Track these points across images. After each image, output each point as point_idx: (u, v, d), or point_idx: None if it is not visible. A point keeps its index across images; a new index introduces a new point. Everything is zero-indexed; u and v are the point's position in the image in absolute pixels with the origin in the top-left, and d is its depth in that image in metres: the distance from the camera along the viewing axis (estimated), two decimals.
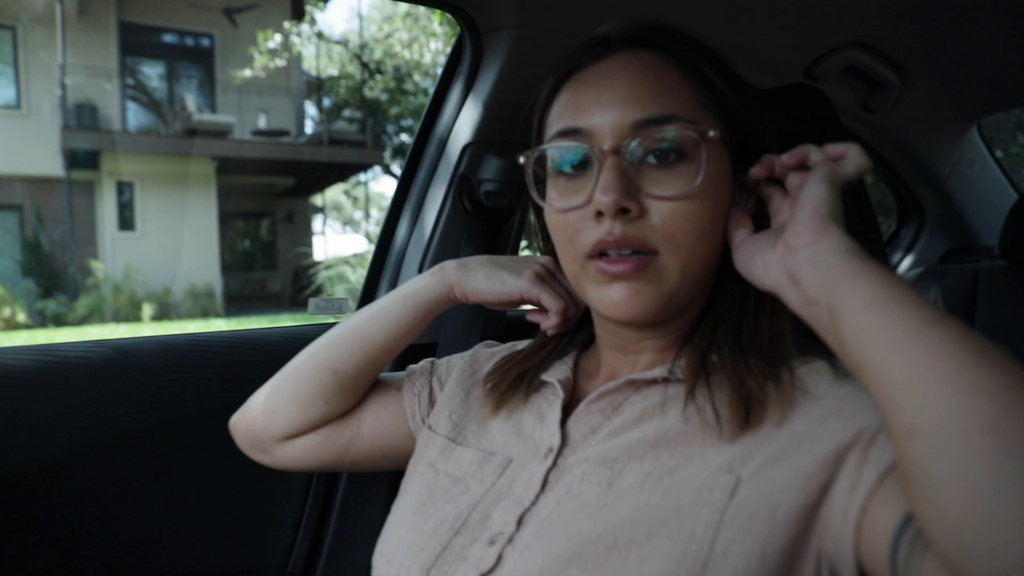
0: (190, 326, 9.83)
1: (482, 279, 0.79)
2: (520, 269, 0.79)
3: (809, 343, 0.60)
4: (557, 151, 0.64)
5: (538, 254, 0.82)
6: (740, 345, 0.62)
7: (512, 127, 1.14)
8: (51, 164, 11.57)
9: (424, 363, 0.87)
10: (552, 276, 0.79)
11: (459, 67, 1.17)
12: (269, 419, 0.83)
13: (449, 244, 1.17)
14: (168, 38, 13.34)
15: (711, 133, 0.60)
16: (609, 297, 0.62)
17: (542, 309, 0.78)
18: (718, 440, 0.57)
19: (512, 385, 0.74)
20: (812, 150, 0.60)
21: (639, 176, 0.60)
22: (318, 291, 10.87)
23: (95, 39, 11.84)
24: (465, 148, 1.14)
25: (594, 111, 0.62)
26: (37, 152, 11.50)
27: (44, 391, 0.99)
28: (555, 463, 0.63)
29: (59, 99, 11.65)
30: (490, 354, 0.84)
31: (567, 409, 0.67)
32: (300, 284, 12.66)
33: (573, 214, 0.63)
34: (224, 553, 1.11)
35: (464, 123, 1.15)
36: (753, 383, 0.58)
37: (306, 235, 14.39)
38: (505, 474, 0.65)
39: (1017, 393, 0.39)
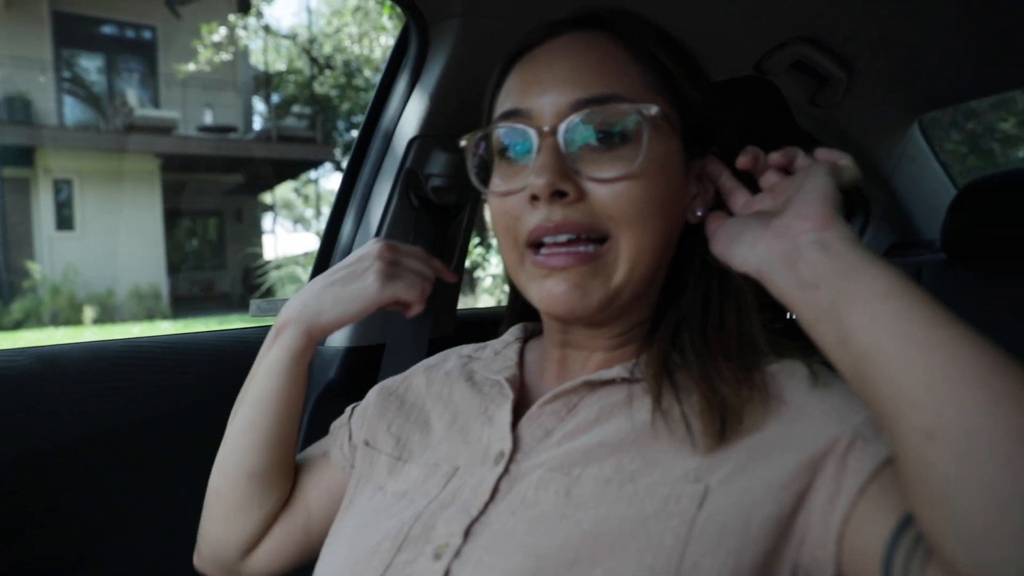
0: (135, 328, 9.53)
1: (330, 307, 0.73)
2: (362, 274, 0.73)
3: (781, 341, 0.58)
4: (499, 134, 0.61)
5: (488, 251, 0.79)
6: (707, 346, 0.59)
7: (460, 120, 1.12)
8: None
9: (344, 415, 0.80)
10: (395, 260, 0.74)
11: (405, 58, 1.14)
12: (219, 548, 0.77)
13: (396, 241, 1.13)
14: (107, 29, 12.84)
15: (653, 111, 0.56)
16: (547, 290, 0.58)
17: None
18: (684, 446, 0.53)
19: (452, 385, 0.70)
20: (800, 154, 0.58)
21: (580, 158, 0.57)
22: (269, 291, 10.64)
23: (26, 29, 11.32)
24: (411, 142, 1.10)
25: (536, 91, 0.59)
26: None
27: None
28: (507, 469, 0.58)
29: None
30: (425, 367, 0.78)
31: (517, 410, 0.63)
32: (250, 284, 12.39)
33: (512, 199, 0.59)
34: (165, 566, 1.05)
35: (410, 116, 1.11)
36: (727, 389, 0.54)
37: (256, 234, 14.08)
38: (451, 483, 0.60)
39: None
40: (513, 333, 0.73)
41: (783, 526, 0.48)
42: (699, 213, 0.63)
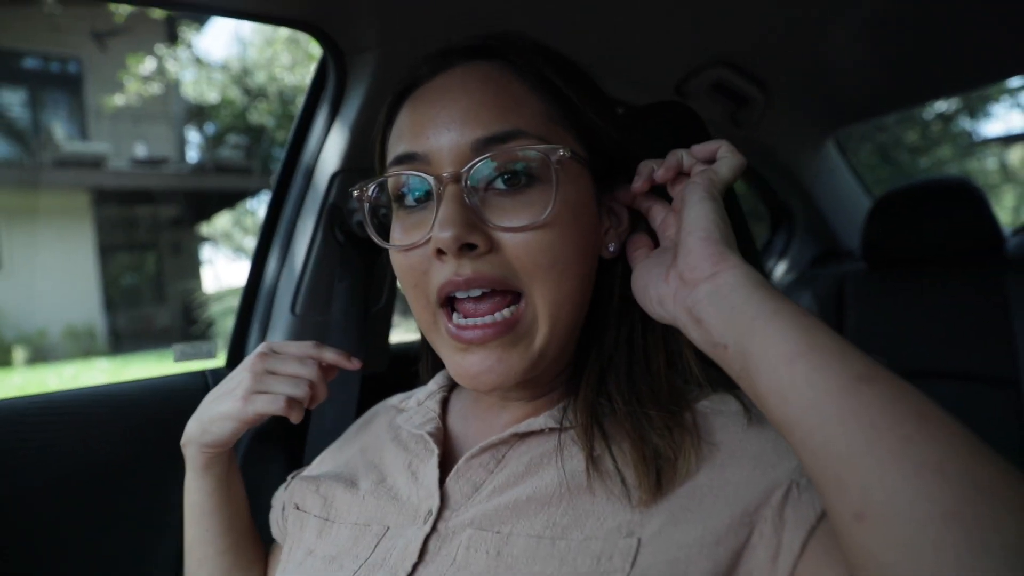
0: (68, 368, 9.13)
1: (209, 425, 0.68)
2: (231, 391, 0.67)
3: (712, 371, 0.55)
4: (394, 181, 0.56)
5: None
6: (636, 392, 0.55)
7: None
8: None
9: (280, 487, 0.79)
10: (268, 369, 0.68)
11: (323, 92, 1.12)
12: None
13: (322, 279, 1.10)
14: (30, 62, 12.40)
15: (560, 152, 0.52)
16: (464, 368, 0.54)
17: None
18: (618, 499, 0.50)
19: (380, 444, 0.68)
20: (683, 154, 0.56)
21: (486, 204, 0.53)
22: (210, 324, 10.35)
23: None
24: (333, 177, 1.09)
25: (431, 133, 0.54)
26: None
27: None
28: (435, 527, 0.55)
29: None
30: (357, 427, 0.77)
31: (445, 464, 0.60)
32: (191, 318, 12.02)
33: (415, 254, 0.55)
34: None
35: (331, 150, 1.10)
36: (658, 439, 0.51)
37: (195, 266, 13.69)
38: (381, 544, 0.57)
39: (969, 469, 0.35)
40: (437, 381, 0.71)
41: None
42: (611, 248, 0.59)
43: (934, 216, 1.58)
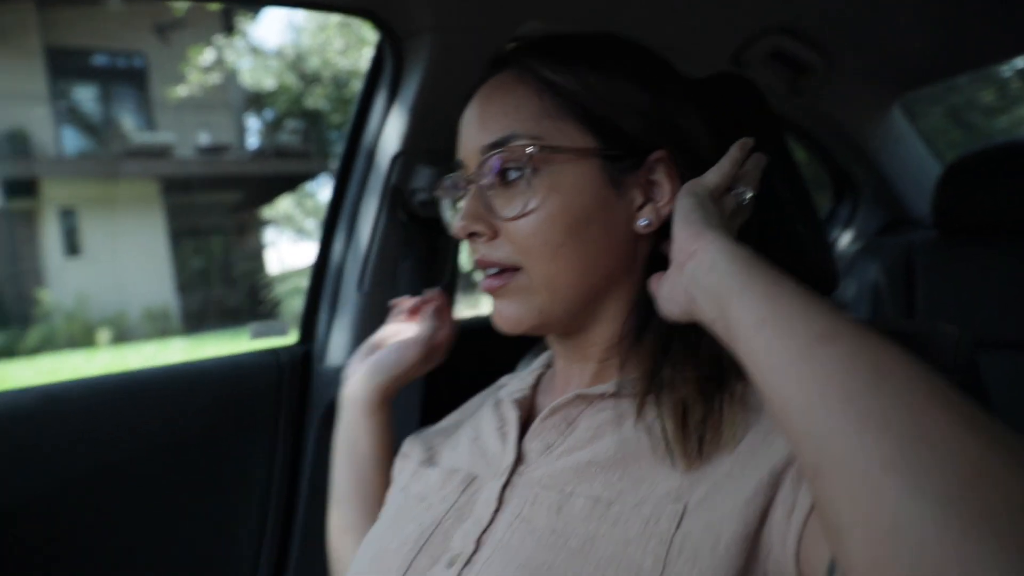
0: (148, 348, 9.61)
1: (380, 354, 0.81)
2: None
3: None
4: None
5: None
6: (693, 362, 0.58)
7: (441, 134, 1.13)
8: None
9: None
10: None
11: (381, 75, 1.15)
12: None
13: (387, 258, 1.14)
14: (99, 60, 12.93)
15: (534, 149, 0.59)
16: (492, 312, 0.66)
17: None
18: (666, 465, 0.54)
19: (482, 408, 0.75)
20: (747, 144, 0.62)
21: (495, 198, 0.62)
22: (277, 304, 10.70)
23: (19, 65, 11.40)
24: (395, 158, 1.12)
25: (463, 140, 0.65)
26: None
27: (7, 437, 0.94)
28: (509, 481, 0.62)
29: None
30: (477, 397, 0.84)
31: (527, 425, 0.66)
32: (258, 298, 12.46)
33: None
34: (197, 570, 1.08)
35: (391, 133, 1.13)
36: (710, 408, 0.55)
37: (259, 248, 14.14)
38: (467, 492, 0.64)
39: (916, 420, 0.36)
40: (542, 360, 0.78)
41: (751, 544, 0.48)
42: (643, 223, 0.62)
43: (1010, 180, 1.51)
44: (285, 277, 11.16)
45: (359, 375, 0.82)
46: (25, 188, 11.30)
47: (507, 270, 0.62)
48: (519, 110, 0.61)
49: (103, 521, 1.02)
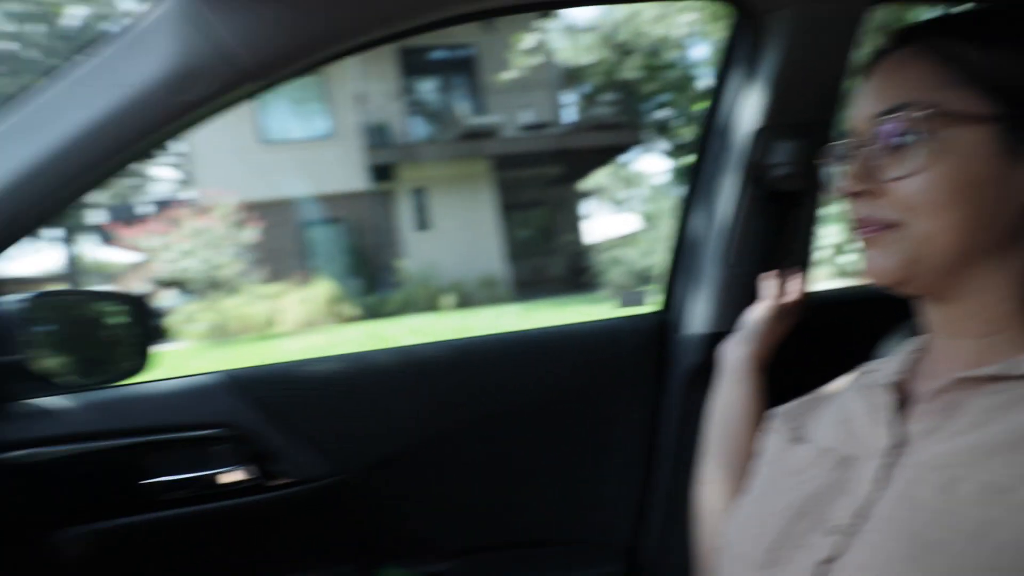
0: (485, 312, 10.77)
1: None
2: None
3: None
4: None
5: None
6: None
7: (802, 107, 1.12)
8: (357, 181, 13.59)
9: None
10: None
11: (737, 53, 1.17)
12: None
13: (751, 232, 1.17)
14: (437, 54, 14.76)
15: (923, 114, 0.60)
16: (864, 261, 0.67)
17: None
18: None
19: (847, 391, 0.76)
20: None
21: (882, 162, 0.63)
22: (597, 274, 11.25)
23: (378, 67, 13.55)
24: (758, 134, 1.14)
25: (855, 110, 0.68)
26: (347, 172, 13.58)
27: (405, 387, 1.20)
28: (890, 462, 0.62)
29: (359, 124, 13.55)
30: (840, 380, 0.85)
31: (903, 407, 0.66)
32: (579, 267, 13.26)
33: None
34: (561, 524, 1.27)
35: (749, 108, 1.14)
36: None
37: (578, 220, 14.97)
38: (842, 469, 0.66)
39: None
40: (914, 343, 0.76)
41: None
42: None
43: None
44: (604, 248, 11.61)
45: (734, 343, 0.96)
46: (386, 172, 13.48)
47: (886, 228, 0.64)
48: (919, 81, 0.62)
49: (487, 461, 1.23)
